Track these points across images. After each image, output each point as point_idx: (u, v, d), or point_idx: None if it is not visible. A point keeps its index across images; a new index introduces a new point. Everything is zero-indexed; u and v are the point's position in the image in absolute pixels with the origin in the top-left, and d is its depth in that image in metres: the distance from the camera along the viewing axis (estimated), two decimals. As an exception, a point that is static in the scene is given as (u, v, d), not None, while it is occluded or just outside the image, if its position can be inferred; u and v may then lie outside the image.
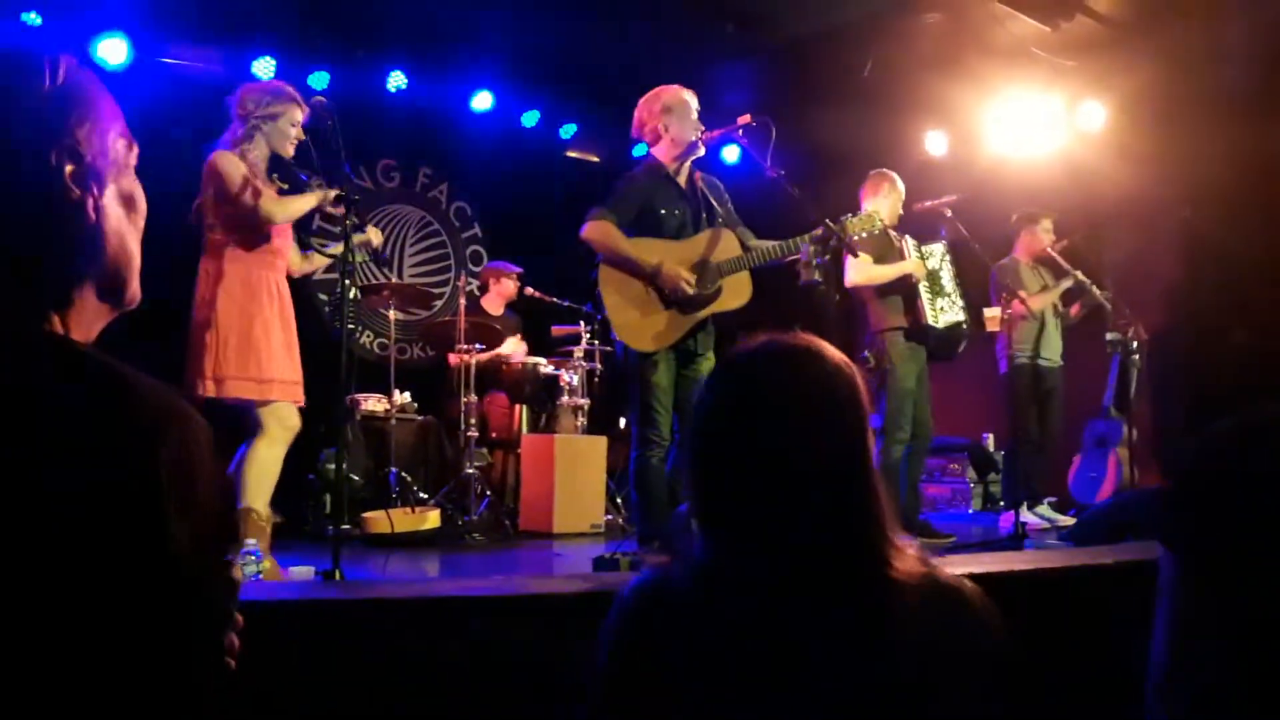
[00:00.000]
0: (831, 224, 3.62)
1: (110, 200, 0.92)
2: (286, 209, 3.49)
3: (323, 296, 6.50)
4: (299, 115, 3.54)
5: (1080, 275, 5.41)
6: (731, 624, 1.05)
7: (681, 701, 1.04)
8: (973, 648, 1.06)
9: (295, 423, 3.48)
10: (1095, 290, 5.42)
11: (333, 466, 4.09)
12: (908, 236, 4.78)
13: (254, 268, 3.43)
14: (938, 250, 4.78)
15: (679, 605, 1.08)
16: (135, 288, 0.96)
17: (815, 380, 1.10)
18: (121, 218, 0.94)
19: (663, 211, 3.68)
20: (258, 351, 3.35)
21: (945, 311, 4.69)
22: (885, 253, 4.67)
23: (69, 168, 0.88)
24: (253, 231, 3.41)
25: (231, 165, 3.39)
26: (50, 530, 0.73)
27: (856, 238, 3.74)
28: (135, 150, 0.97)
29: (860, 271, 4.56)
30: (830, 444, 1.08)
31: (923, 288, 4.68)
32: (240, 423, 3.38)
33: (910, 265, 4.66)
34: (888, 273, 4.64)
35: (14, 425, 0.75)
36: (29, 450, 0.74)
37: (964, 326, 4.73)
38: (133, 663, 0.75)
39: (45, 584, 0.72)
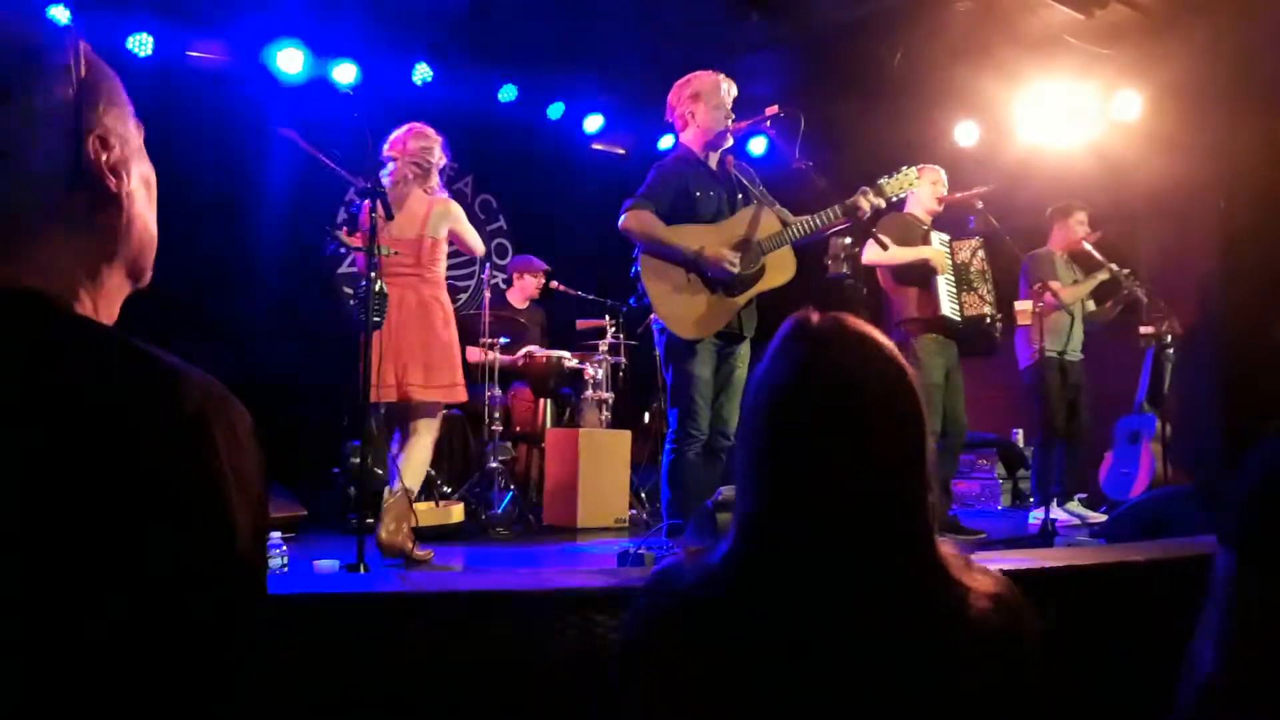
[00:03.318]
0: (869, 189, 3.67)
1: (136, 184, 0.92)
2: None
3: (348, 289, 6.52)
4: None
5: (1115, 267, 5.31)
6: (770, 617, 1.02)
7: (706, 697, 1.01)
8: (1026, 657, 1.03)
9: None
10: (1132, 283, 5.32)
11: (357, 460, 4.11)
12: (935, 232, 4.70)
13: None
14: (969, 244, 4.70)
15: (709, 597, 1.05)
16: (150, 267, 0.97)
17: (884, 360, 1.08)
18: (145, 200, 0.94)
19: (698, 195, 3.64)
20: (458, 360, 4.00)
21: (970, 306, 4.60)
22: (908, 238, 4.60)
23: (104, 156, 0.88)
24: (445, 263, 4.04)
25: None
26: (115, 525, 0.72)
27: (894, 198, 3.78)
28: (142, 131, 0.96)
29: (877, 251, 4.42)
30: (896, 425, 1.06)
31: (944, 280, 4.59)
32: (402, 419, 3.97)
33: (929, 252, 4.57)
34: (905, 255, 4.54)
35: (68, 420, 0.73)
36: (87, 446, 0.73)
37: (989, 320, 4.60)
38: (196, 653, 0.74)
39: (113, 575, 0.71)
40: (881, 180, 3.74)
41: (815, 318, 1.12)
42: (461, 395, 3.99)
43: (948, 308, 4.56)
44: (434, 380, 3.86)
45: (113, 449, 0.73)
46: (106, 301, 0.90)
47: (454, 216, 3.98)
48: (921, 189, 4.67)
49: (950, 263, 4.66)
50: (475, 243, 4.12)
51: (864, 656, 0.99)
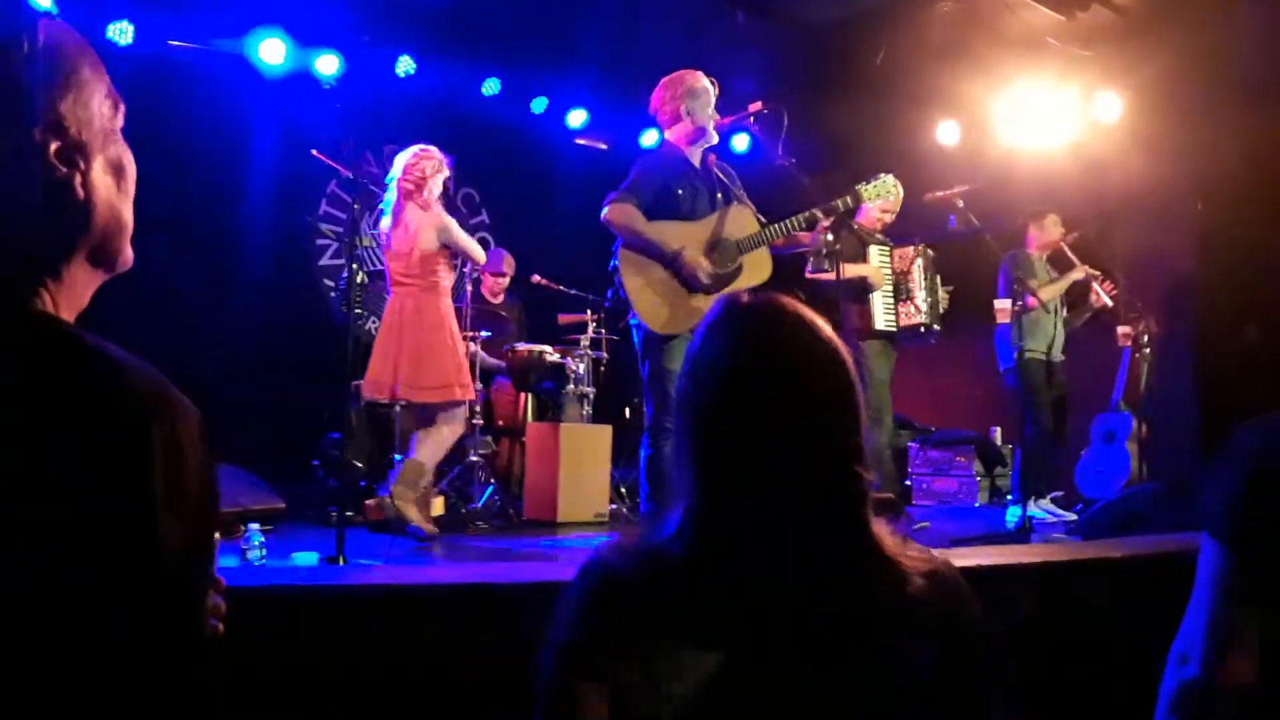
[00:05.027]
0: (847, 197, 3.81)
1: (98, 172, 0.90)
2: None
3: (329, 282, 6.49)
4: None
5: (1090, 270, 5.39)
6: (706, 600, 1.00)
7: (640, 683, 0.99)
8: (965, 633, 1.04)
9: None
10: (1099, 290, 5.43)
11: (337, 452, 4.10)
12: (873, 245, 4.80)
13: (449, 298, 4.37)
14: (907, 253, 4.84)
15: (642, 582, 1.03)
16: (128, 254, 0.94)
17: (819, 339, 1.07)
18: (111, 187, 0.91)
19: (680, 192, 3.68)
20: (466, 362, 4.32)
21: (905, 316, 4.81)
22: (854, 252, 4.71)
23: (54, 145, 0.85)
24: (450, 271, 4.36)
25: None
26: (37, 519, 0.71)
27: (870, 203, 3.98)
28: (122, 110, 0.93)
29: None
30: (830, 404, 1.05)
31: (880, 295, 4.77)
32: (415, 421, 4.29)
33: (868, 270, 4.75)
34: (848, 272, 4.68)
35: (3, 411, 0.73)
36: (19, 437, 0.72)
37: (923, 330, 4.83)
38: (120, 657, 0.73)
39: (28, 574, 0.71)
40: (860, 186, 3.83)
41: (746, 298, 1.12)
42: (450, 395, 4.18)
43: (882, 321, 4.78)
44: (421, 381, 4.08)
45: (41, 457, 0.72)
46: (69, 293, 0.88)
47: (444, 228, 4.19)
48: (890, 198, 4.79)
49: (889, 274, 4.80)
50: (474, 252, 4.39)
51: (802, 636, 0.99)
